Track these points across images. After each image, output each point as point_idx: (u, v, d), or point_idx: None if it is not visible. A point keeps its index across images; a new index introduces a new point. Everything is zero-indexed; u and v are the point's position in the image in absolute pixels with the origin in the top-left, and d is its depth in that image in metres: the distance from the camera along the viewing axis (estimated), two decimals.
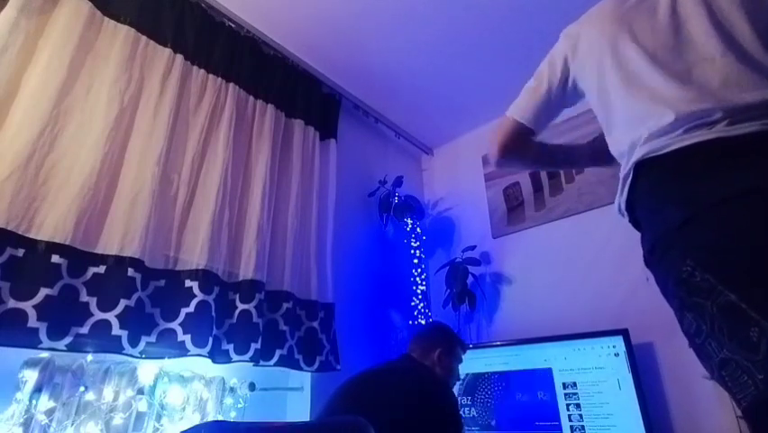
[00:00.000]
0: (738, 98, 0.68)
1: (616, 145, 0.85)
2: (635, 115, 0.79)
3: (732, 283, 0.58)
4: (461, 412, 1.27)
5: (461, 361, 1.54)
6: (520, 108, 1.01)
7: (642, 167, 0.75)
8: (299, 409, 1.70)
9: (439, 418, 1.20)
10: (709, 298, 0.59)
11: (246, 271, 1.55)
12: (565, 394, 1.73)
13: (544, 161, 1.16)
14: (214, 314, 1.40)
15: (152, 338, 1.29)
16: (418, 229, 2.40)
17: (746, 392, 0.56)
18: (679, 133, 0.70)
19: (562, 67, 0.97)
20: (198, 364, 1.39)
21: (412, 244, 2.36)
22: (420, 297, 2.23)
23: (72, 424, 1.12)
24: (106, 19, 1.45)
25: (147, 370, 1.28)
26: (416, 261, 2.32)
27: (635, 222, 0.81)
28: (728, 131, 0.65)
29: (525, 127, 1.00)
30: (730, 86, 0.70)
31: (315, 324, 1.73)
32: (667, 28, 0.80)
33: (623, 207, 0.81)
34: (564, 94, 0.98)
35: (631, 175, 0.77)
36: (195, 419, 1.32)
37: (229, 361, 1.43)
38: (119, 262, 1.25)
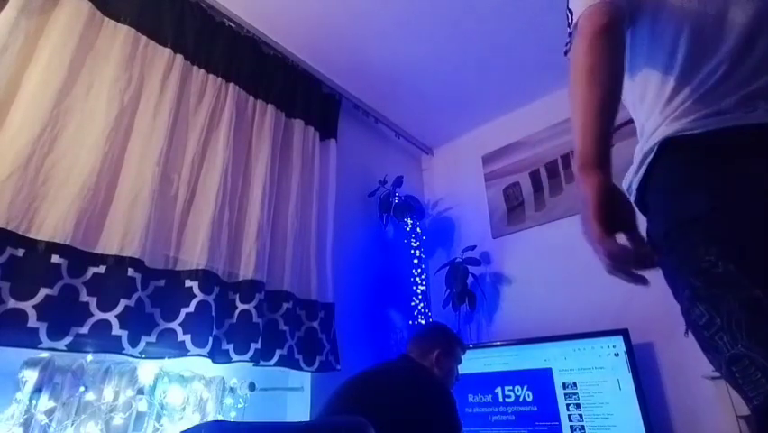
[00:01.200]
0: None
1: (643, 114, 0.77)
2: (672, 83, 0.72)
3: (759, 278, 0.55)
4: (458, 413, 1.26)
5: (460, 362, 1.54)
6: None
7: (669, 145, 0.68)
8: (299, 409, 1.70)
9: (437, 419, 1.20)
10: (731, 291, 0.57)
11: (246, 271, 1.55)
12: (565, 394, 1.73)
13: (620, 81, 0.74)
14: (214, 314, 1.40)
15: (152, 338, 1.29)
16: (418, 229, 2.40)
17: (759, 391, 0.54)
18: (717, 112, 0.65)
19: None
20: (198, 364, 1.39)
21: (412, 244, 2.36)
22: (420, 297, 2.23)
23: (72, 424, 1.12)
24: (106, 19, 1.45)
25: (147, 370, 1.28)
26: (416, 261, 2.32)
27: (642, 204, 0.75)
28: None
29: (621, 6, 0.73)
30: None
31: (315, 324, 1.73)
32: None
33: (635, 186, 0.75)
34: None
35: (653, 152, 0.70)
36: (195, 419, 1.32)
37: (229, 361, 1.43)
38: (119, 262, 1.25)
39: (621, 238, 0.68)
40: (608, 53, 0.70)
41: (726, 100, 0.66)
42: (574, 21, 0.77)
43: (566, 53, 0.79)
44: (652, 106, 0.77)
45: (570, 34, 0.79)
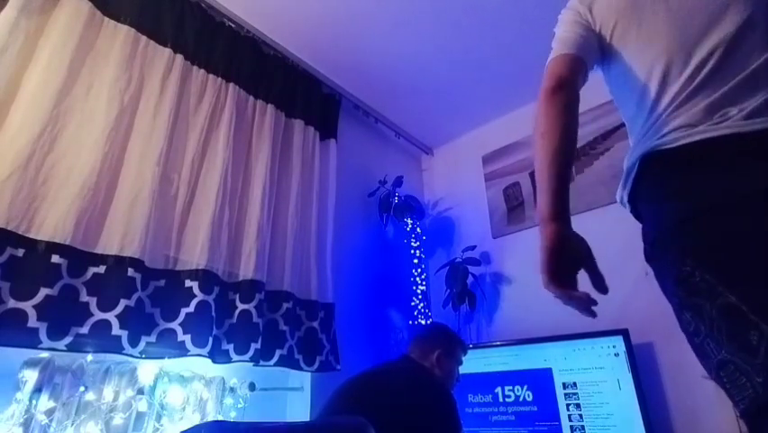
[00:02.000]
0: (759, 89, 0.65)
1: (628, 129, 0.81)
2: (648, 102, 0.75)
3: (732, 285, 0.57)
4: (459, 414, 1.26)
5: (460, 363, 1.54)
6: (565, 45, 0.85)
7: (648, 160, 0.72)
8: (299, 409, 1.71)
9: (438, 419, 1.20)
10: (709, 299, 0.58)
11: (246, 271, 1.55)
12: (565, 394, 1.73)
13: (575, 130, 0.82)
14: (214, 314, 1.40)
15: (152, 338, 1.29)
16: (418, 229, 2.40)
17: (744, 395, 0.55)
18: (689, 124, 0.67)
19: (583, 18, 0.86)
20: (198, 364, 1.39)
21: (412, 244, 2.35)
22: (420, 297, 2.23)
23: (72, 424, 1.12)
24: (106, 19, 1.45)
25: (147, 370, 1.28)
26: (416, 261, 2.32)
27: (637, 215, 0.78)
28: (743, 126, 0.63)
29: (579, 58, 0.83)
30: (753, 72, 0.67)
31: (315, 324, 1.73)
32: None
33: (626, 199, 0.79)
34: (591, 39, 0.85)
35: (636, 167, 0.74)
36: (195, 419, 1.32)
37: (229, 361, 1.43)
38: (119, 262, 1.25)
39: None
40: (558, 118, 0.77)
41: (695, 112, 0.68)
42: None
43: None
44: (633, 121, 0.81)
45: None
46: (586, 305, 0.73)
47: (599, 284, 0.76)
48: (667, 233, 0.66)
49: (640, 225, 0.78)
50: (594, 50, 0.85)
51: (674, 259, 0.64)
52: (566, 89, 0.80)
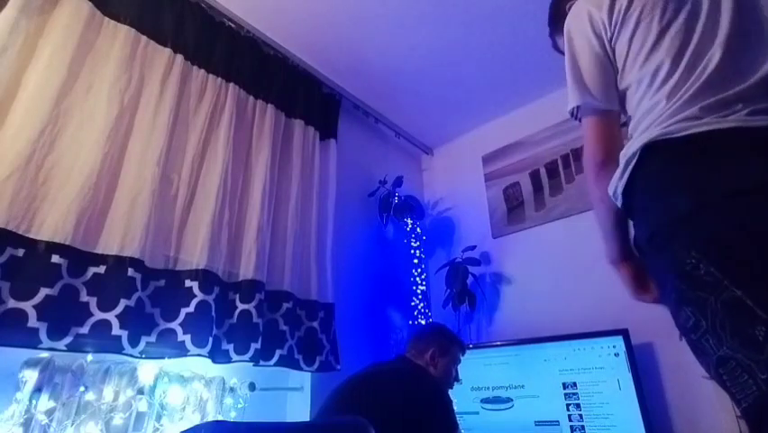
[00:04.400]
0: (762, 86, 0.65)
1: (633, 122, 0.81)
2: (657, 96, 0.75)
3: (739, 279, 0.56)
4: (455, 413, 1.26)
5: (458, 362, 1.54)
6: (597, 96, 0.85)
7: (651, 149, 0.70)
8: (299, 409, 1.71)
9: (434, 419, 1.20)
10: (713, 293, 0.57)
11: (246, 271, 1.55)
12: (565, 394, 1.73)
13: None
14: (214, 314, 1.40)
15: (152, 338, 1.29)
16: (418, 229, 2.40)
17: (747, 393, 0.54)
18: (696, 116, 0.67)
19: (596, 30, 0.86)
20: (198, 364, 1.39)
21: (412, 244, 2.36)
22: (420, 297, 2.23)
23: (72, 424, 1.12)
24: (106, 19, 1.45)
25: (147, 370, 1.28)
26: (416, 261, 2.32)
27: (628, 208, 0.77)
28: (748, 121, 0.63)
29: (617, 114, 0.86)
30: (756, 69, 0.67)
31: (315, 324, 1.73)
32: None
33: (620, 190, 0.77)
34: (611, 69, 0.86)
35: (636, 157, 0.72)
36: (195, 419, 1.32)
37: (229, 361, 1.43)
38: (119, 262, 1.25)
39: None
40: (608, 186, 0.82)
41: (704, 105, 0.67)
42: (575, 106, 0.88)
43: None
44: (640, 113, 0.79)
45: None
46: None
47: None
48: (670, 224, 0.65)
49: None
50: (614, 81, 0.87)
51: (677, 251, 0.63)
52: (613, 163, 0.82)
